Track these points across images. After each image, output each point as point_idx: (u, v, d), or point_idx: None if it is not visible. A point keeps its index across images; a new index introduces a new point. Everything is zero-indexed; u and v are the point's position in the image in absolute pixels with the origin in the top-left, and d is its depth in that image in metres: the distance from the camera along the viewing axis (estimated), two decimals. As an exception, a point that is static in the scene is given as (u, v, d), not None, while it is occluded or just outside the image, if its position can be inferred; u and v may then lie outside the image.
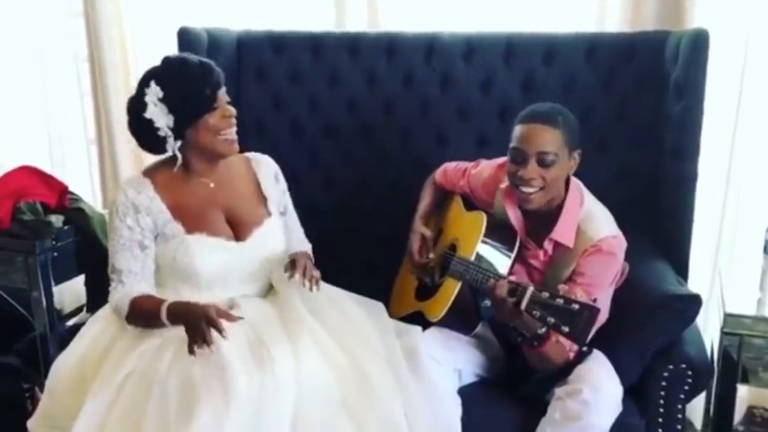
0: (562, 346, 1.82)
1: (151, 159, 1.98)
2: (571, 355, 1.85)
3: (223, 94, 1.86)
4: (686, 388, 1.88)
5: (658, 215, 2.30)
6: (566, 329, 1.52)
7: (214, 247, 1.88)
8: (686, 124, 2.18)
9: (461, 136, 2.51)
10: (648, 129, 2.33)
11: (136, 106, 1.82)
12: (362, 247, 2.61)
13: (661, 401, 1.89)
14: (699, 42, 2.13)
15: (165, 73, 1.83)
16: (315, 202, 2.58)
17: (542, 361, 1.82)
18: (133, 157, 3.15)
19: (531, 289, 1.61)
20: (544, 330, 1.72)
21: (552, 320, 1.54)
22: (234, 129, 1.88)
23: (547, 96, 2.37)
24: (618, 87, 2.35)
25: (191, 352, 1.65)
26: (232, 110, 1.87)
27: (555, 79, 2.40)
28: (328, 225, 2.52)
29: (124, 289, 1.85)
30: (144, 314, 1.82)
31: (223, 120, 1.85)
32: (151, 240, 1.87)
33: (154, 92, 1.80)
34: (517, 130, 1.87)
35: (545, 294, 1.57)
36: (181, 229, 1.87)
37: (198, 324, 1.65)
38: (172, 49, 2.54)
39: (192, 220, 1.89)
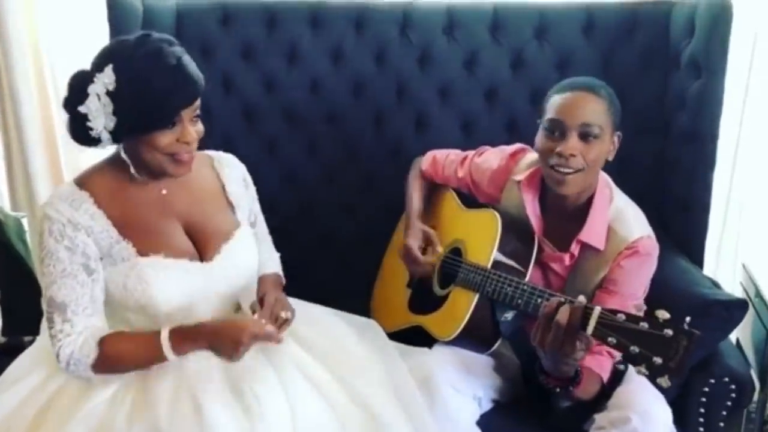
0: (595, 375, 1.58)
1: (71, 143, 1.49)
2: (606, 377, 1.60)
3: (190, 111, 1.43)
4: (728, 403, 1.71)
5: (666, 206, 2.11)
6: (659, 360, 1.22)
7: (175, 272, 1.50)
8: (704, 105, 1.99)
9: (443, 120, 2.28)
10: (653, 111, 2.15)
11: (78, 90, 1.39)
12: (331, 247, 2.40)
13: (701, 419, 1.73)
14: (721, 13, 1.93)
15: (128, 61, 1.38)
16: (274, 197, 2.20)
17: (578, 400, 1.57)
18: (47, 145, 2.70)
19: (598, 309, 1.33)
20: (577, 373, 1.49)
21: (636, 349, 1.24)
22: (193, 150, 1.47)
23: (538, 75, 2.23)
24: (619, 64, 2.18)
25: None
26: (194, 134, 1.45)
27: (548, 56, 2.21)
28: (290, 223, 2.28)
29: (75, 330, 1.44)
30: (129, 356, 1.47)
31: (177, 145, 1.43)
32: (97, 262, 1.47)
33: (104, 81, 1.37)
34: (556, 99, 1.63)
35: (621, 316, 1.28)
36: (132, 250, 1.48)
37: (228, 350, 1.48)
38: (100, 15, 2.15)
39: (144, 237, 1.50)
